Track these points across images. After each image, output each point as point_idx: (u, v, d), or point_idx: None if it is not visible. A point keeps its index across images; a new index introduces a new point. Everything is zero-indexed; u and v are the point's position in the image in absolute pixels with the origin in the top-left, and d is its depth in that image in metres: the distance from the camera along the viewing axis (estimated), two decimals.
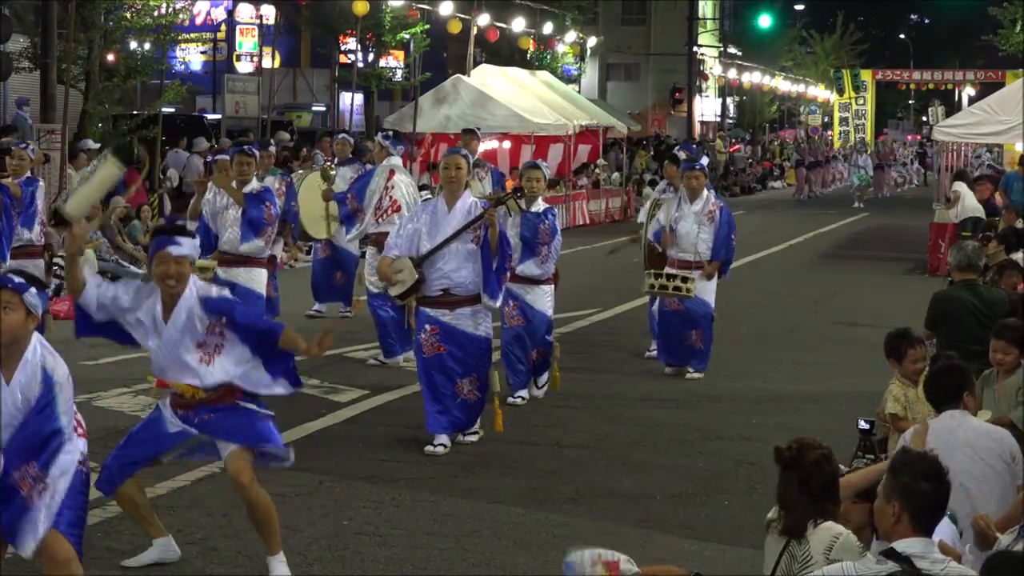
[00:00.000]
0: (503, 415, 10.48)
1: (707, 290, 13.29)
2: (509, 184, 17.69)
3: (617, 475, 9.72)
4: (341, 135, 16.48)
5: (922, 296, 11.01)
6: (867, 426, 7.96)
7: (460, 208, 10.04)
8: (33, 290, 5.96)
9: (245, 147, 12.71)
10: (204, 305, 7.05)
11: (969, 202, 22.17)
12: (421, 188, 17.78)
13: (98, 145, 22.71)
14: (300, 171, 16.71)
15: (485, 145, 31.44)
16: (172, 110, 32.86)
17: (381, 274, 10.33)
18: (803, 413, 11.84)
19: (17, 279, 5.98)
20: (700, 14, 59.47)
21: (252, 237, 12.32)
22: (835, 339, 16.14)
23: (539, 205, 11.79)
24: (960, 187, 22.48)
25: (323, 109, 44.50)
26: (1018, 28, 39.62)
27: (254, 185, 12.50)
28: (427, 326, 10.07)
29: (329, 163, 15.23)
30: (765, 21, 66.35)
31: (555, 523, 8.52)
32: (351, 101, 33.73)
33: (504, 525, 8.44)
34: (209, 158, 16.39)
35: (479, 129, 15.83)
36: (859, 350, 14.78)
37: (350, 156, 15.66)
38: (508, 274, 10.37)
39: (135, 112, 27.51)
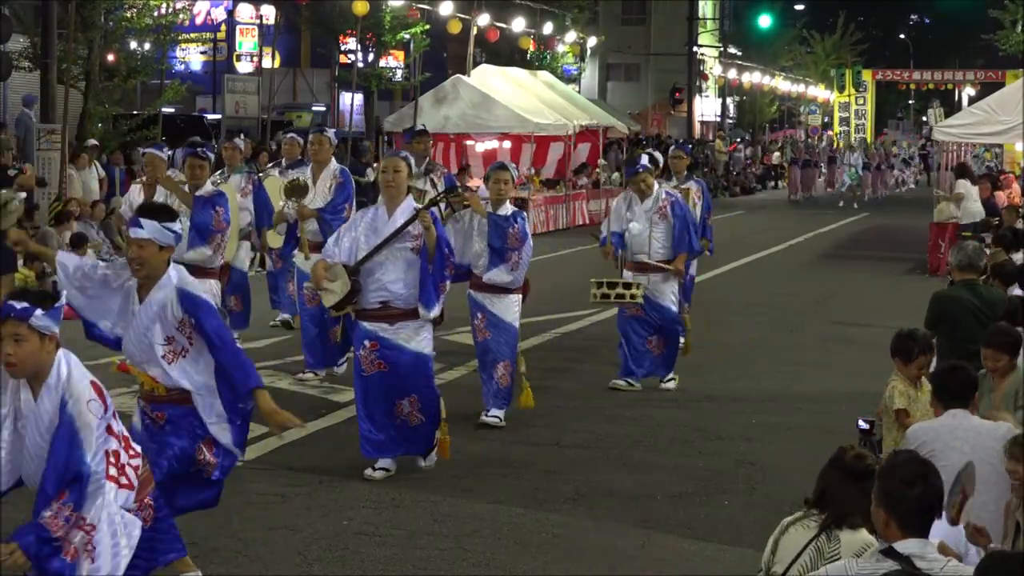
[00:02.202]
0: (449, 442, 9.61)
1: (666, 294, 12.64)
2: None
3: (617, 475, 9.72)
4: (289, 135, 14.95)
5: (922, 296, 11.01)
6: (867, 426, 7.97)
7: (400, 215, 9.30)
8: (39, 311, 5.50)
9: (199, 149, 11.72)
10: (180, 298, 6.66)
11: (973, 206, 22.16)
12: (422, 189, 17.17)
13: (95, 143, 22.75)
14: (260, 173, 14.64)
15: (485, 145, 31.59)
16: (172, 110, 32.86)
17: (314, 278, 9.45)
18: (803, 413, 11.85)
19: (20, 305, 5.51)
20: (700, 14, 59.46)
21: (199, 244, 11.19)
22: (835, 339, 16.14)
23: (507, 208, 11.06)
24: (964, 186, 22.46)
25: (323, 109, 44.48)
26: (1019, 28, 39.64)
27: (207, 188, 11.60)
28: (366, 342, 9.34)
29: (299, 175, 13.28)
30: (765, 21, 66.34)
31: (555, 523, 8.52)
32: (351, 101, 33.72)
33: (504, 525, 8.44)
34: (141, 151, 14.90)
35: (422, 126, 14.40)
36: (859, 350, 14.79)
37: (299, 158, 14.30)
38: (447, 282, 9.45)
39: (135, 112, 27.53)
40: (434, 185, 13.37)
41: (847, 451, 5.47)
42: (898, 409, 8.02)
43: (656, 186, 12.78)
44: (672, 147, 16.24)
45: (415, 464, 9.71)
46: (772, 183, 53.28)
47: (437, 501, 8.88)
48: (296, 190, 12.72)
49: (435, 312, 9.33)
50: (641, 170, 12.73)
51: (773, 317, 17.97)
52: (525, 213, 11.52)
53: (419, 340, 9.38)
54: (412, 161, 9.91)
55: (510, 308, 11.13)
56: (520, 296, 11.24)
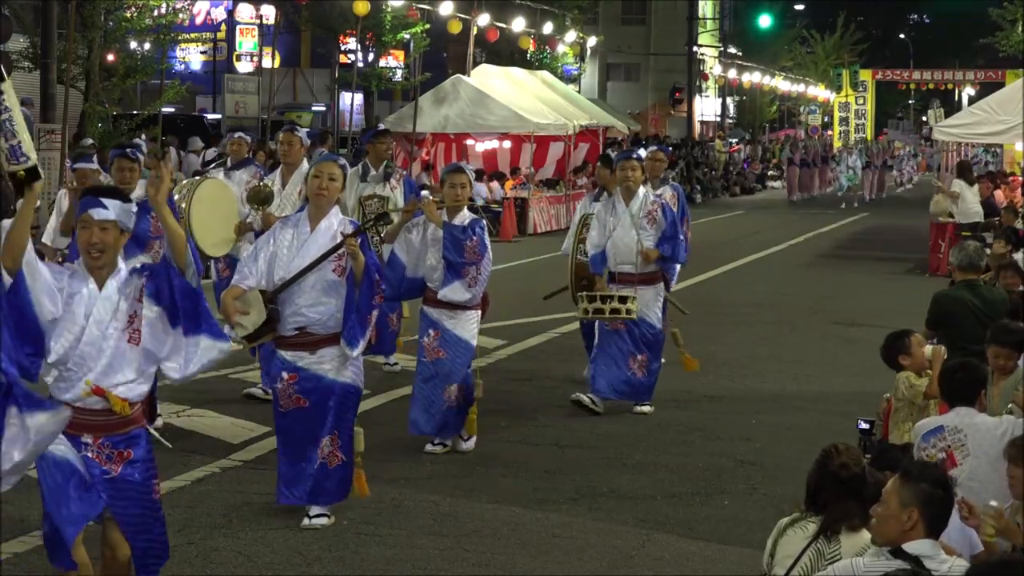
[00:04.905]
0: (365, 479, 8.61)
1: (653, 308, 11.61)
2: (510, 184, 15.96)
3: (617, 475, 9.71)
4: (237, 134, 13.95)
5: (922, 296, 11.01)
6: (867, 426, 7.97)
7: (325, 229, 8.18)
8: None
9: (127, 150, 10.79)
10: (132, 271, 6.15)
11: (970, 206, 22.16)
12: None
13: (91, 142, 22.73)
14: (185, 180, 13.20)
15: (485, 145, 31.59)
16: (172, 110, 32.88)
17: (224, 310, 8.10)
18: (803, 413, 11.85)
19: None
20: (700, 14, 59.44)
21: (137, 252, 10.19)
22: (835, 339, 16.13)
23: (464, 217, 9.89)
24: (960, 186, 22.46)
25: (323, 109, 44.50)
26: (1019, 28, 39.64)
27: (138, 193, 10.30)
28: (284, 374, 8.22)
29: (262, 181, 12.33)
30: (765, 21, 66.40)
31: (555, 523, 8.52)
32: (351, 101, 33.73)
33: (504, 525, 8.44)
34: (69, 164, 13.74)
35: (382, 127, 13.30)
36: (859, 350, 14.78)
37: (247, 157, 13.29)
38: (375, 312, 8.22)
39: (135, 112, 27.52)
40: (391, 191, 12.55)
41: (833, 457, 5.46)
42: (926, 390, 7.96)
43: (642, 187, 11.63)
44: (653, 148, 14.67)
45: (415, 464, 9.72)
46: (772, 182, 53.29)
47: (437, 501, 8.87)
48: (260, 197, 11.84)
49: (359, 349, 8.11)
50: (635, 157, 11.74)
51: (773, 317, 17.96)
52: (483, 222, 10.21)
53: (347, 372, 8.23)
54: (348, 170, 8.99)
55: (467, 325, 10.06)
56: (479, 313, 10.18)
